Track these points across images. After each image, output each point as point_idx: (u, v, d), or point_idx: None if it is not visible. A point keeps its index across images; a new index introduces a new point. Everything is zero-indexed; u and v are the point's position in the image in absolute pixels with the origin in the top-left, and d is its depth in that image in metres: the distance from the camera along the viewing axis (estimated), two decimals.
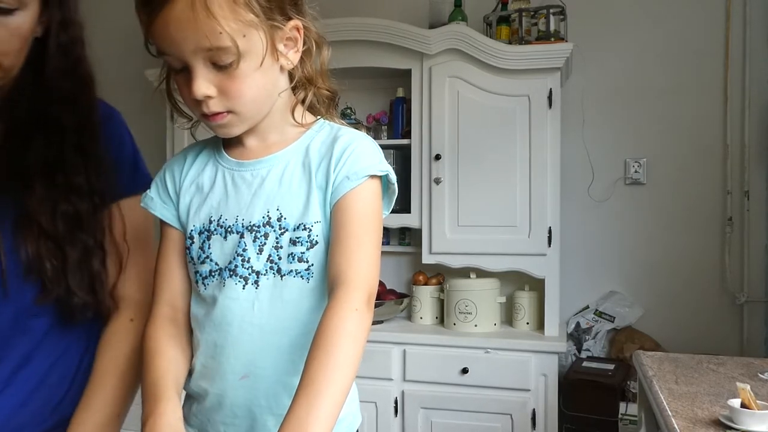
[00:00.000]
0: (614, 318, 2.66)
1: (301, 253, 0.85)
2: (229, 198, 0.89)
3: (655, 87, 2.69)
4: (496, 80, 2.50)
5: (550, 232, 2.46)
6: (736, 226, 2.61)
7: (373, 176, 0.87)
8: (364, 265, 0.83)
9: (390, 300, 2.65)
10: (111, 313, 0.96)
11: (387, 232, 2.79)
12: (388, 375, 2.48)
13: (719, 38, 2.63)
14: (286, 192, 0.87)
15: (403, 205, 2.59)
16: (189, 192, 0.93)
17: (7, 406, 0.87)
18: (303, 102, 0.93)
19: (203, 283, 0.89)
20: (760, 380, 1.55)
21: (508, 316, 2.67)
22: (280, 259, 0.86)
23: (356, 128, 0.93)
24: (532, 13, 2.53)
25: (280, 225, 0.86)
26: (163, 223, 0.95)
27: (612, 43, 2.73)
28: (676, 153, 2.68)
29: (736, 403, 1.24)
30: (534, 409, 2.36)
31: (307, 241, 0.85)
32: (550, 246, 2.46)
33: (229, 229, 0.88)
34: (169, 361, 0.87)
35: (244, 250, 0.87)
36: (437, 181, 2.55)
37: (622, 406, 2.36)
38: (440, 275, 2.73)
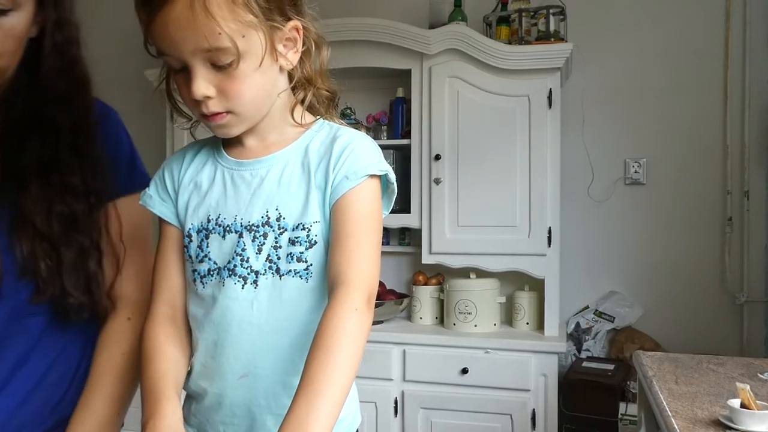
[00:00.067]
0: (614, 318, 2.66)
1: (300, 252, 0.85)
2: (228, 197, 0.90)
3: (655, 87, 2.69)
4: (496, 80, 2.50)
5: (550, 232, 2.46)
6: (736, 226, 2.61)
7: (372, 176, 0.87)
8: (364, 265, 0.83)
9: (390, 300, 2.65)
10: (108, 313, 0.96)
11: (387, 232, 2.79)
12: (388, 375, 2.48)
13: (719, 38, 2.63)
14: (285, 192, 0.87)
15: (403, 205, 2.59)
16: (188, 190, 0.93)
17: (7, 407, 0.87)
18: (302, 102, 0.93)
19: (201, 282, 0.89)
20: (760, 380, 1.55)
21: (508, 316, 2.67)
22: (278, 258, 0.86)
23: (356, 128, 0.93)
24: (532, 13, 2.53)
25: (279, 225, 0.86)
26: (161, 221, 0.94)
27: (612, 43, 2.73)
28: (676, 153, 2.68)
29: (736, 403, 1.24)
30: (534, 410, 2.36)
31: (306, 241, 0.85)
32: (550, 246, 2.46)
33: (228, 229, 0.88)
34: (168, 362, 0.87)
35: (243, 249, 0.87)
36: (437, 181, 2.55)
37: (622, 406, 2.36)
38: (440, 275, 2.73)
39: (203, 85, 0.81)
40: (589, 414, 2.35)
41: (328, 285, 0.84)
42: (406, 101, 2.71)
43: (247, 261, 0.86)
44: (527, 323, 2.56)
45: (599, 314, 2.68)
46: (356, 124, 2.59)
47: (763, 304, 2.58)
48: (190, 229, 0.91)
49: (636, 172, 2.71)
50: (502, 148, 2.49)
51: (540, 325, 2.52)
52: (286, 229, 0.86)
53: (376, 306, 2.32)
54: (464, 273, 2.59)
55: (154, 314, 0.90)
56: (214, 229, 0.89)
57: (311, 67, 0.91)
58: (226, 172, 0.91)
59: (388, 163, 0.90)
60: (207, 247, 0.89)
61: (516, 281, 2.62)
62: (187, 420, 0.91)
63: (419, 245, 2.65)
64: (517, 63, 2.45)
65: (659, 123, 2.69)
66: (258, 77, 0.83)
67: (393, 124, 2.76)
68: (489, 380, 2.38)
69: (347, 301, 0.80)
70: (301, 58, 0.89)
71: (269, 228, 0.86)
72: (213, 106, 0.83)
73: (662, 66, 2.69)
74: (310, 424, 0.72)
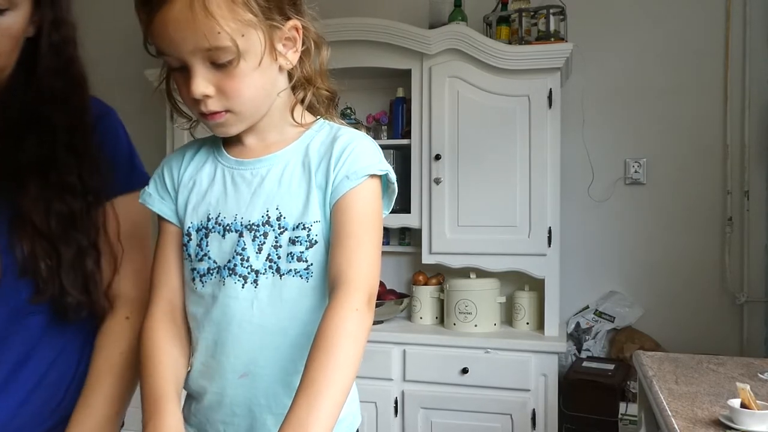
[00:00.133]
0: (614, 318, 2.66)
1: (301, 252, 0.85)
2: (228, 196, 0.89)
3: (655, 87, 2.69)
4: (496, 80, 2.50)
5: (550, 232, 2.46)
6: (736, 226, 2.61)
7: (372, 176, 0.87)
8: (365, 265, 0.83)
9: (390, 300, 2.65)
10: (106, 312, 0.96)
11: (387, 232, 2.79)
12: (388, 375, 2.48)
13: (719, 38, 2.63)
14: (286, 191, 0.87)
15: (403, 205, 2.59)
16: (187, 188, 0.92)
17: (8, 407, 0.87)
18: (302, 102, 0.93)
19: (201, 280, 0.89)
20: (760, 380, 1.55)
21: (508, 316, 2.67)
22: (279, 258, 0.86)
23: (356, 128, 0.93)
24: (532, 13, 2.53)
25: (279, 224, 0.86)
26: (161, 219, 0.94)
27: (612, 43, 2.73)
28: (676, 153, 2.68)
29: (736, 403, 1.24)
30: (534, 409, 2.36)
31: (306, 241, 0.85)
32: (550, 246, 2.46)
33: (228, 228, 0.88)
34: (168, 362, 0.87)
35: (243, 249, 0.87)
36: (437, 181, 2.55)
37: (622, 406, 2.36)
38: (440, 275, 2.73)
39: (202, 84, 0.81)
40: (589, 414, 2.35)
41: (329, 285, 0.84)
42: (406, 101, 2.71)
43: (248, 260, 0.86)
44: (527, 323, 2.56)
45: (599, 314, 2.68)
46: (356, 124, 2.59)
47: (763, 304, 2.58)
48: (189, 227, 0.90)
49: (636, 172, 2.71)
50: (502, 148, 2.49)
51: (540, 325, 2.52)
52: (286, 229, 0.86)
53: (376, 306, 2.32)
54: (464, 273, 2.59)
55: (153, 312, 0.90)
56: (214, 227, 0.89)
57: (311, 66, 0.91)
58: (227, 171, 0.91)
59: (388, 162, 0.90)
60: (207, 245, 0.89)
61: (516, 281, 2.62)
62: (187, 419, 0.91)
63: (419, 245, 2.65)
64: (517, 63, 2.45)
65: (659, 123, 2.69)
66: (257, 76, 0.83)
67: (393, 124, 2.76)
68: (489, 380, 2.38)
69: (348, 302, 0.80)
70: (300, 57, 0.89)
71: (269, 227, 0.86)
72: (212, 105, 0.83)
73: (662, 66, 2.69)
74: (311, 424, 0.72)
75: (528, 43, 2.50)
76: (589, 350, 2.66)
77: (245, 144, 0.92)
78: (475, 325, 2.52)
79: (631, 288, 2.73)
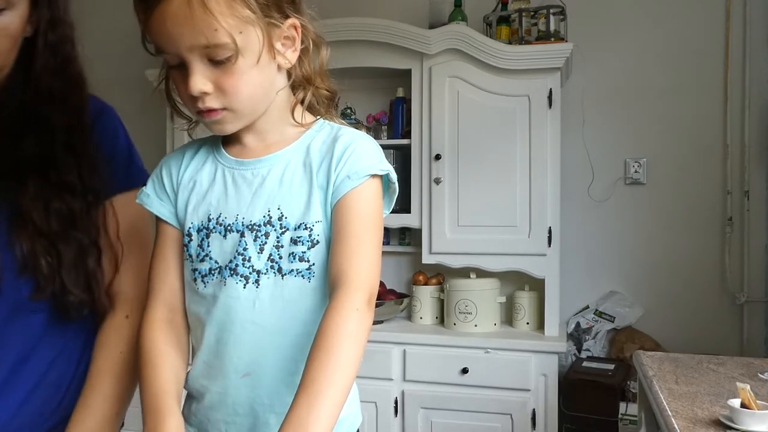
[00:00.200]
0: (614, 318, 2.66)
1: (302, 252, 0.85)
2: (229, 196, 0.89)
3: (655, 87, 2.69)
4: (496, 80, 2.50)
5: (550, 232, 2.46)
6: (736, 226, 2.61)
7: (373, 176, 0.87)
8: (365, 264, 0.83)
9: (390, 300, 2.65)
10: (108, 311, 0.96)
11: (387, 232, 2.79)
12: (388, 375, 2.48)
13: (719, 38, 2.63)
14: (287, 191, 0.87)
15: (403, 205, 2.59)
16: (187, 188, 0.92)
17: (8, 407, 0.87)
18: (302, 102, 0.92)
19: (202, 281, 0.89)
20: (760, 380, 1.55)
21: (508, 316, 2.67)
22: (281, 258, 0.86)
23: (356, 128, 0.93)
24: (532, 13, 2.53)
25: (280, 224, 0.86)
26: (159, 220, 0.94)
27: (612, 43, 2.73)
28: (676, 153, 2.68)
29: (736, 403, 1.24)
30: (534, 409, 2.36)
31: (308, 241, 0.85)
32: (550, 246, 2.46)
33: (229, 228, 0.88)
34: (169, 371, 0.86)
35: (244, 249, 0.86)
36: (437, 181, 2.55)
37: (622, 406, 2.36)
38: (440, 275, 2.73)
39: (200, 80, 0.81)
40: (589, 414, 2.35)
41: (329, 285, 0.84)
42: (406, 101, 2.71)
43: (249, 260, 0.86)
44: (527, 323, 2.56)
45: (599, 314, 2.68)
46: (356, 124, 2.59)
47: (763, 304, 2.58)
48: (190, 228, 0.90)
49: (636, 172, 2.71)
50: (502, 148, 2.49)
51: (540, 325, 2.52)
52: (288, 229, 0.86)
53: (376, 306, 2.32)
54: (464, 273, 2.59)
55: (152, 318, 0.90)
56: (215, 228, 0.89)
57: (310, 66, 0.91)
58: (227, 171, 0.91)
59: (389, 162, 0.90)
60: (208, 246, 0.89)
61: (516, 281, 2.62)
62: (187, 419, 0.91)
63: (419, 245, 2.65)
64: (517, 63, 2.45)
65: (659, 123, 2.69)
66: (255, 74, 0.83)
67: (393, 124, 2.76)
68: (489, 380, 2.38)
69: (348, 302, 0.80)
70: (299, 57, 0.89)
71: (271, 227, 0.86)
72: (210, 102, 0.82)
73: (662, 66, 2.69)
74: (311, 424, 0.72)
75: (528, 43, 2.50)
76: (589, 350, 2.66)
77: (245, 144, 0.92)
78: (475, 325, 2.52)
79: (631, 288, 2.73)
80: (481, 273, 2.57)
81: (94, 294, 0.92)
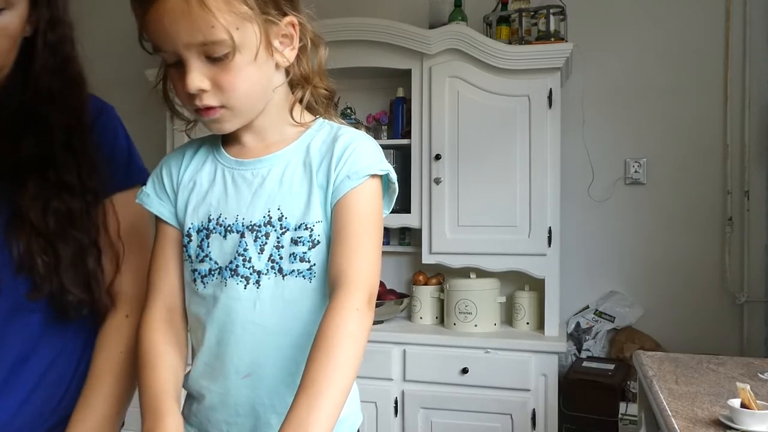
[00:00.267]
0: (614, 318, 2.66)
1: (303, 252, 0.85)
2: (229, 197, 0.89)
3: (655, 87, 2.69)
4: (496, 80, 2.50)
5: (550, 232, 2.46)
6: (736, 226, 2.61)
7: (373, 175, 0.87)
8: (365, 264, 0.83)
9: (390, 300, 2.65)
10: (109, 310, 0.96)
11: (387, 232, 2.79)
12: (388, 375, 2.48)
13: (719, 38, 2.63)
14: (287, 191, 0.87)
15: (403, 205, 2.59)
16: (187, 189, 0.92)
17: (8, 407, 0.87)
18: (301, 101, 0.92)
19: (202, 281, 0.88)
20: (760, 380, 1.55)
21: (508, 316, 2.67)
22: (281, 258, 0.86)
23: (356, 128, 0.93)
24: (532, 13, 2.53)
25: (281, 224, 0.86)
26: (158, 220, 0.94)
27: (612, 43, 2.73)
28: (676, 153, 2.68)
29: (736, 403, 1.24)
30: (534, 409, 2.36)
31: (308, 241, 0.85)
32: (550, 246, 2.46)
33: (229, 228, 0.88)
34: (169, 372, 0.86)
35: (245, 249, 0.86)
36: (437, 181, 2.55)
37: (622, 406, 2.36)
38: (440, 275, 2.73)
39: (198, 78, 0.80)
40: (589, 414, 2.35)
41: (329, 285, 0.84)
42: (406, 101, 2.71)
43: (249, 261, 0.86)
44: (527, 323, 2.56)
45: (599, 314, 2.68)
46: (356, 124, 2.59)
47: (763, 304, 2.58)
48: (189, 228, 0.90)
49: (636, 172, 2.71)
50: (502, 148, 2.49)
51: (540, 325, 2.52)
52: (288, 229, 0.86)
53: (376, 306, 2.32)
54: (464, 273, 2.59)
55: (151, 318, 0.89)
56: (215, 228, 0.88)
57: (308, 65, 0.91)
58: (227, 171, 0.91)
59: (389, 162, 0.90)
60: (208, 246, 0.88)
61: (516, 281, 2.62)
62: (187, 419, 0.91)
63: (419, 245, 2.65)
64: (517, 63, 2.45)
65: (659, 123, 2.69)
66: (253, 71, 0.83)
67: (393, 124, 2.76)
68: (489, 380, 2.38)
69: (348, 302, 0.80)
70: (298, 55, 0.89)
71: (271, 228, 0.86)
72: (207, 100, 0.82)
73: (662, 66, 2.69)
74: (311, 424, 0.72)
75: (528, 43, 2.50)
76: (589, 350, 2.66)
77: (245, 144, 0.91)
78: (475, 325, 2.52)
79: (631, 288, 2.73)
80: (481, 273, 2.57)
81: (93, 293, 0.92)
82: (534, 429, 2.35)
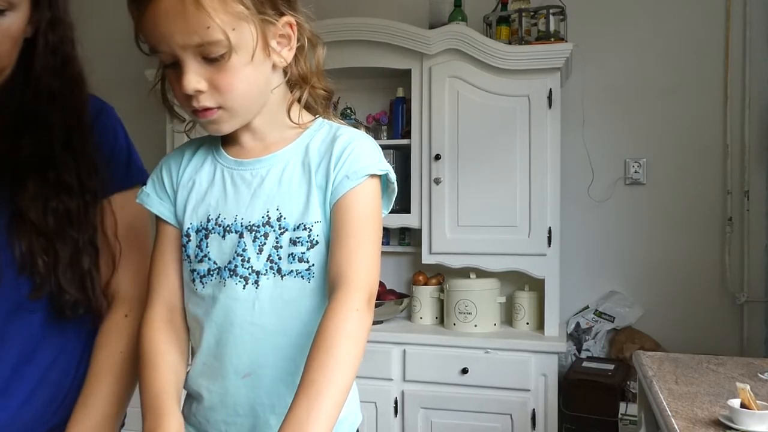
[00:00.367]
0: (614, 318, 2.66)
1: (302, 253, 0.85)
2: (228, 197, 0.89)
3: (655, 87, 2.69)
4: (496, 80, 2.50)
5: (550, 232, 2.46)
6: (736, 226, 2.61)
7: (372, 175, 0.87)
8: (364, 265, 0.83)
9: (390, 300, 2.65)
10: (105, 310, 0.96)
11: (387, 232, 2.79)
12: (388, 375, 2.48)
13: (719, 38, 2.63)
14: (286, 192, 0.87)
15: (403, 205, 2.59)
16: (186, 188, 0.92)
17: (10, 407, 0.87)
18: (299, 101, 0.92)
19: (201, 281, 0.88)
20: (760, 380, 1.55)
21: (508, 316, 2.67)
22: (280, 259, 0.86)
23: (356, 128, 0.93)
24: (532, 13, 2.53)
25: (279, 225, 0.86)
26: (158, 220, 0.94)
27: (612, 43, 2.73)
28: (676, 153, 2.68)
29: (736, 403, 1.24)
30: (534, 409, 2.36)
31: (307, 241, 0.85)
32: (550, 246, 2.46)
33: (228, 229, 0.88)
34: (167, 365, 0.86)
35: (243, 249, 0.86)
36: (437, 181, 2.55)
37: (622, 406, 2.36)
38: (440, 275, 2.73)
39: (194, 79, 0.80)
40: (589, 414, 2.35)
41: (329, 285, 0.84)
42: (406, 101, 2.71)
43: (248, 261, 0.86)
44: (527, 323, 2.56)
45: (599, 314, 2.68)
46: (356, 124, 2.59)
47: (763, 304, 2.58)
48: (188, 228, 0.90)
49: (636, 172, 2.71)
50: (502, 148, 2.49)
51: (540, 325, 2.52)
52: (287, 229, 0.86)
53: (376, 306, 2.32)
54: (464, 273, 2.59)
55: (151, 318, 0.89)
56: (213, 228, 0.88)
57: (306, 64, 0.91)
58: (226, 172, 0.91)
59: (388, 162, 0.90)
60: (206, 246, 0.88)
61: (516, 281, 2.62)
62: (186, 419, 0.90)
63: (419, 245, 2.65)
64: (517, 63, 2.45)
65: (659, 123, 2.69)
66: (250, 71, 0.82)
67: (393, 124, 2.76)
68: (489, 380, 2.38)
69: (348, 302, 0.79)
70: (295, 55, 0.88)
71: (270, 228, 0.86)
72: (204, 101, 0.82)
73: (662, 66, 2.69)
74: (311, 424, 0.72)
75: (528, 43, 2.50)
76: (589, 350, 2.66)
77: (244, 144, 0.91)
78: (475, 325, 2.52)
79: (631, 288, 2.73)
80: (481, 273, 2.57)
81: (88, 293, 0.92)
82: (534, 429, 2.35)
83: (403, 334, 2.53)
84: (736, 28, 2.61)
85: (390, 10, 2.85)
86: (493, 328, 2.56)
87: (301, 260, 0.85)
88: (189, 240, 0.90)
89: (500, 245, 2.50)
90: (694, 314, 2.64)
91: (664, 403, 1.38)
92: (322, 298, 0.86)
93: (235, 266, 0.86)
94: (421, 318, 2.69)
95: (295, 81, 0.91)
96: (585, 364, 2.52)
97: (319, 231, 0.85)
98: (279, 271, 0.86)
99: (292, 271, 0.85)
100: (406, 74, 2.61)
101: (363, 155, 0.86)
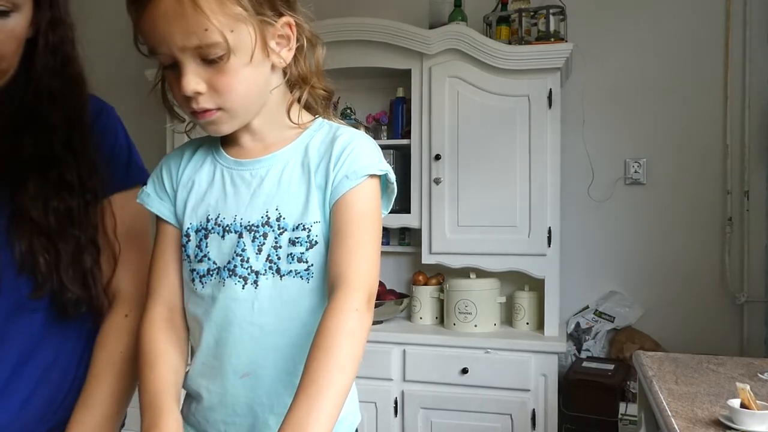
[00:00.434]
0: (614, 318, 2.66)
1: (301, 253, 0.85)
2: (228, 197, 0.89)
3: (655, 87, 2.69)
4: (496, 80, 2.50)
5: (549, 232, 2.46)
6: (736, 226, 2.61)
7: (372, 176, 0.87)
8: (364, 265, 0.83)
9: (390, 300, 2.65)
10: (106, 310, 0.96)
11: (387, 232, 2.79)
12: (388, 375, 2.48)
13: (719, 38, 2.63)
14: (285, 192, 0.87)
15: (403, 205, 2.59)
16: (186, 188, 0.92)
17: (10, 407, 0.87)
18: (299, 101, 0.92)
19: (201, 281, 0.89)
20: (760, 380, 1.55)
21: (508, 316, 2.67)
22: (279, 259, 0.86)
23: (356, 128, 0.93)
24: (532, 13, 2.53)
25: (278, 225, 0.86)
26: (159, 220, 0.94)
27: (612, 43, 2.73)
28: (676, 153, 2.68)
29: (735, 403, 1.24)
30: (534, 409, 2.36)
31: (306, 242, 0.85)
32: (549, 246, 2.46)
33: (227, 229, 0.88)
34: (169, 371, 0.86)
35: (243, 250, 0.86)
36: (437, 181, 2.55)
37: (622, 406, 2.36)
38: (440, 275, 2.73)
39: (193, 80, 0.80)
40: (589, 414, 2.35)
41: (328, 285, 0.84)
42: (406, 101, 2.71)
43: (247, 261, 0.86)
44: (527, 323, 2.56)
45: (599, 314, 2.68)
46: (356, 124, 2.59)
47: (763, 304, 2.58)
48: (188, 228, 0.90)
49: (636, 172, 2.71)
50: (502, 148, 2.49)
51: (540, 325, 2.52)
52: (286, 230, 0.86)
53: (376, 306, 2.32)
54: (464, 273, 2.59)
55: (151, 317, 0.90)
56: (213, 228, 0.88)
57: (306, 65, 0.91)
58: (225, 172, 0.91)
59: (388, 162, 0.90)
60: (206, 246, 0.88)
61: (516, 281, 2.62)
62: (185, 419, 0.91)
63: (419, 245, 2.65)
64: (517, 63, 2.45)
65: (659, 123, 2.69)
66: (249, 72, 0.82)
67: (393, 124, 2.76)
68: (489, 380, 2.38)
69: (347, 302, 0.79)
70: (295, 56, 0.88)
71: (269, 228, 0.86)
72: (203, 102, 0.82)
73: (662, 66, 2.69)
74: (311, 424, 0.72)
75: (528, 43, 2.50)
76: (589, 350, 2.66)
77: (243, 144, 0.91)
78: (475, 325, 2.52)
79: (631, 288, 2.73)
80: (481, 273, 2.57)
81: (90, 291, 0.92)
82: (534, 429, 2.35)
83: (403, 334, 2.53)
84: (736, 28, 2.61)
85: (390, 10, 2.85)
86: (493, 328, 2.56)
87: (300, 260, 0.85)
88: (189, 240, 0.90)
89: (500, 245, 2.50)
90: (694, 314, 2.64)
91: (664, 403, 1.38)
92: (321, 299, 0.86)
93: (235, 266, 0.86)
94: (421, 318, 2.69)
95: (295, 81, 0.91)
96: (585, 364, 2.52)
97: (318, 231, 0.85)
98: (278, 271, 0.86)
99: (291, 271, 0.85)
100: (406, 74, 2.61)
101: (362, 155, 0.86)
